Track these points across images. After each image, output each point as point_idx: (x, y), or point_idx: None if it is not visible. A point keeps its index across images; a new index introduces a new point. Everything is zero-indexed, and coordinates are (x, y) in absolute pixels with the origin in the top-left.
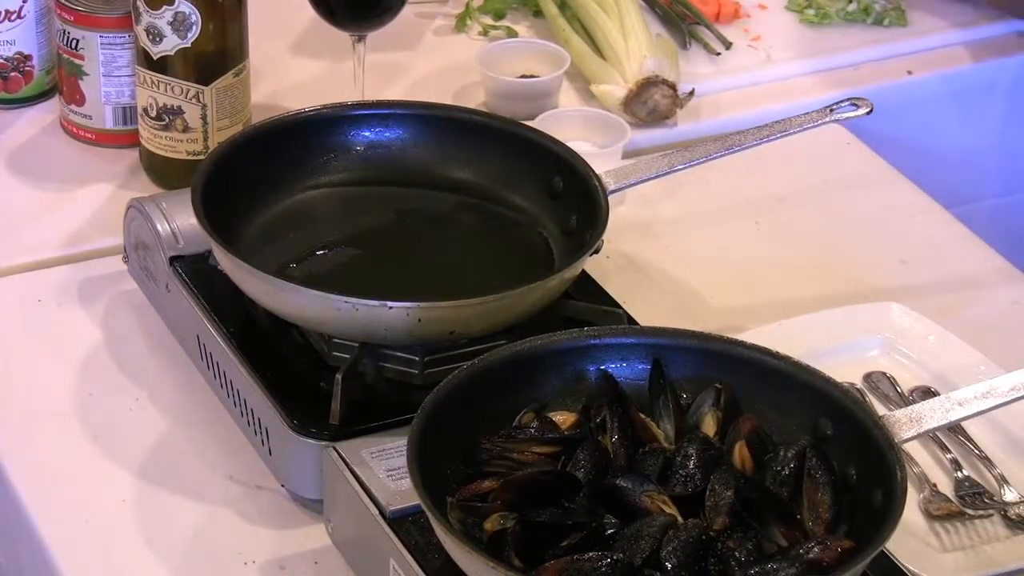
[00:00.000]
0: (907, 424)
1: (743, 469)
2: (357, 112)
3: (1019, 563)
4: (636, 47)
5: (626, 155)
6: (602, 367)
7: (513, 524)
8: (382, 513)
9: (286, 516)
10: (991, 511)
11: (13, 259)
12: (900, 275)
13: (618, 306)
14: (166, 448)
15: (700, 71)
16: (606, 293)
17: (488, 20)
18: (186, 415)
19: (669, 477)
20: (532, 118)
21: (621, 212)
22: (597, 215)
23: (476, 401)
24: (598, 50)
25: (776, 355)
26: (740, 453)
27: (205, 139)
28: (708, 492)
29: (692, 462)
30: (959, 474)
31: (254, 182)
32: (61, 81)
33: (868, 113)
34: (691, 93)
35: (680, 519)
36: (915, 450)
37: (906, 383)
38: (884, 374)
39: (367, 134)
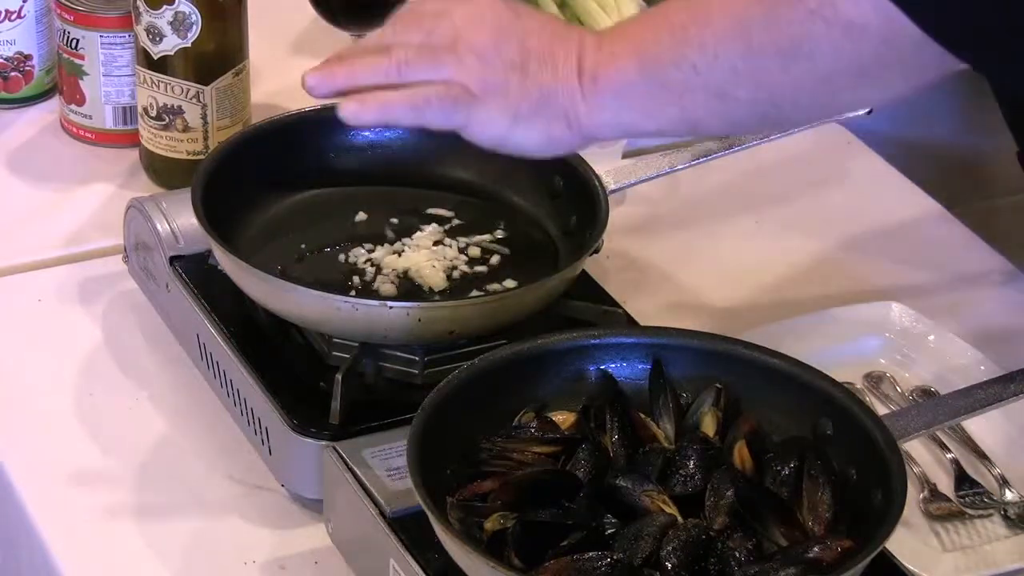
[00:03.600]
0: (907, 424)
1: (743, 469)
2: None
3: (1019, 563)
4: None
5: (626, 155)
6: (602, 367)
7: (513, 524)
8: (382, 513)
9: (286, 516)
10: (991, 511)
11: (13, 259)
12: (900, 275)
13: (618, 306)
14: (166, 448)
15: None
16: (606, 293)
17: None
18: (186, 415)
19: (669, 477)
20: None
21: (621, 212)
22: (597, 215)
23: (476, 401)
24: None
25: (776, 355)
26: (740, 453)
27: (205, 139)
28: (708, 492)
29: (692, 462)
30: (959, 474)
31: (254, 182)
32: (61, 81)
33: (868, 113)
34: None
35: (680, 519)
36: (915, 450)
37: (906, 383)
38: (884, 374)
39: (367, 134)
